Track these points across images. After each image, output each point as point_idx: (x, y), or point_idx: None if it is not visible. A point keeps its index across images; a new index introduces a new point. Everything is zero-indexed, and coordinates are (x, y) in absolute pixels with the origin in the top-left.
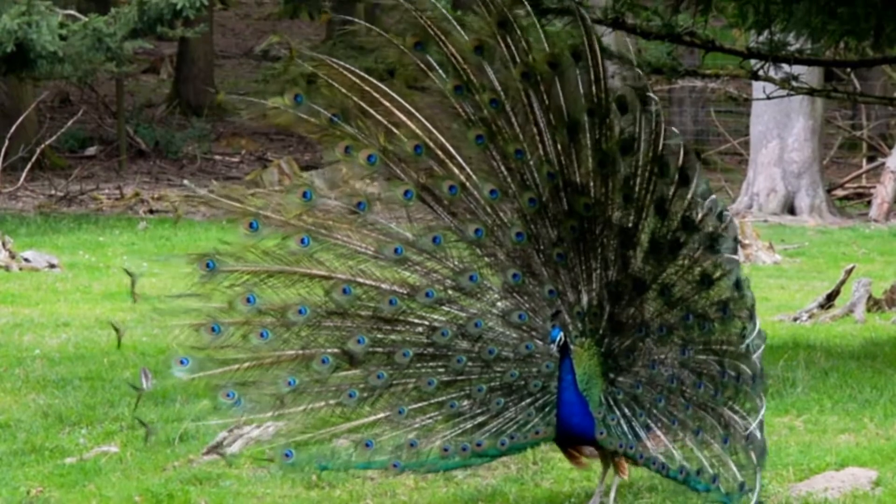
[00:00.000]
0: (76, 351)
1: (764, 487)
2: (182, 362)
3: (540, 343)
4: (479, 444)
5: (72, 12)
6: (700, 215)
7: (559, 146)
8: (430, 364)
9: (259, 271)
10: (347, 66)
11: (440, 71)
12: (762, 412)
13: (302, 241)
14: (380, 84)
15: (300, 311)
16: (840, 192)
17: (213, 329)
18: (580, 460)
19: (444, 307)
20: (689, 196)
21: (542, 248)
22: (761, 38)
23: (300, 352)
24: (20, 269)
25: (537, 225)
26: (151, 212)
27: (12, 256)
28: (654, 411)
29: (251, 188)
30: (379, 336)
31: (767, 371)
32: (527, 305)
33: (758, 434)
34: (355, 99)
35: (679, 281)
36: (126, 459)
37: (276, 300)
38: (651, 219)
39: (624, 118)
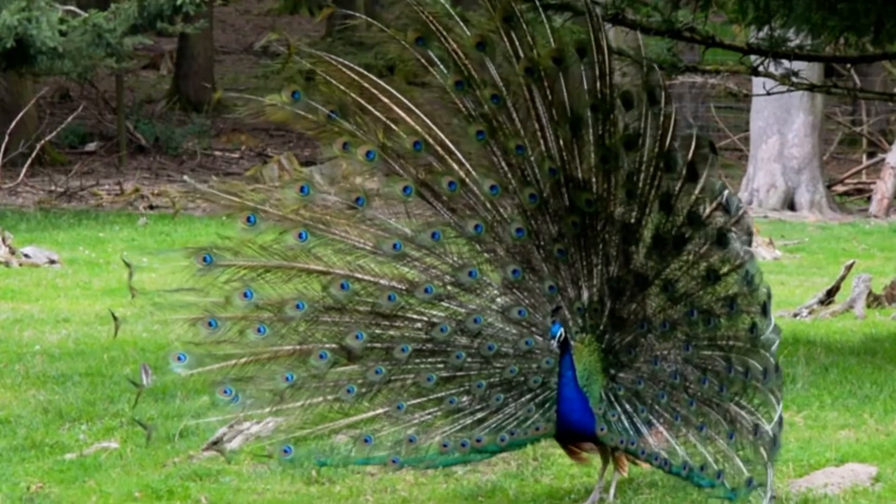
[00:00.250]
0: (76, 347)
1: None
2: (180, 358)
3: (540, 339)
4: (478, 440)
5: (72, 8)
6: (708, 210)
7: (561, 142)
8: (429, 360)
9: (256, 266)
10: (345, 62)
11: (441, 66)
12: (780, 408)
13: (300, 235)
14: (378, 80)
15: (298, 307)
16: (840, 188)
17: (209, 324)
18: (580, 456)
19: (443, 303)
20: (697, 191)
21: (542, 243)
22: (761, 34)
23: (298, 347)
24: (20, 264)
25: (538, 221)
26: (151, 207)
27: (12, 252)
28: (656, 407)
29: (251, 184)
30: (377, 331)
31: None
32: (526, 301)
33: (767, 429)
34: (353, 95)
35: (683, 276)
36: (126, 455)
37: (274, 295)
38: (655, 214)
39: (629, 114)
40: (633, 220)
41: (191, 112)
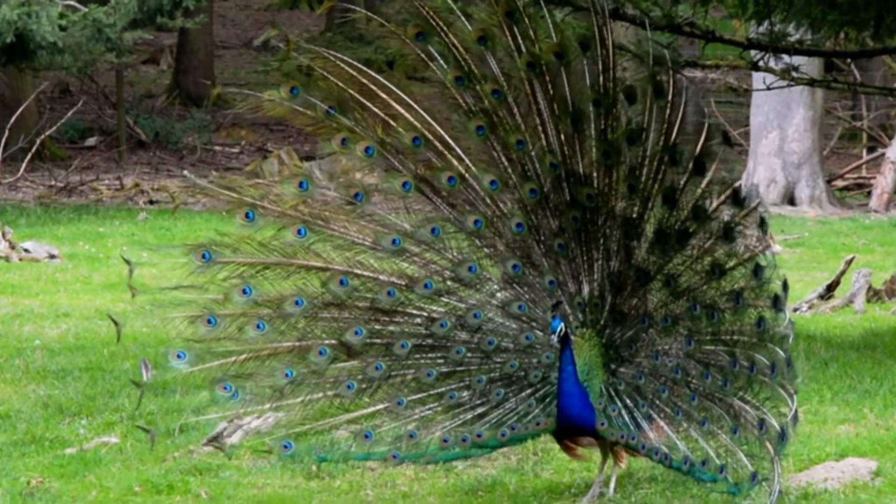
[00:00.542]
0: (76, 341)
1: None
2: (179, 356)
3: (540, 333)
4: (479, 435)
5: (71, 3)
6: (714, 204)
7: (563, 137)
8: (430, 355)
9: (255, 263)
10: (344, 58)
11: (441, 61)
12: (794, 402)
13: (299, 231)
14: (377, 76)
15: (297, 303)
16: (840, 183)
17: (209, 321)
18: (577, 452)
19: (442, 298)
20: (704, 185)
21: (542, 238)
22: (761, 29)
23: (297, 343)
24: (20, 259)
25: (538, 215)
26: (151, 202)
27: (12, 247)
28: (657, 402)
29: (251, 179)
30: (377, 327)
31: None
32: (527, 296)
33: (773, 423)
34: (352, 92)
35: (686, 271)
36: (126, 450)
37: (273, 292)
38: (658, 209)
39: (632, 108)
40: (635, 215)
41: (191, 107)
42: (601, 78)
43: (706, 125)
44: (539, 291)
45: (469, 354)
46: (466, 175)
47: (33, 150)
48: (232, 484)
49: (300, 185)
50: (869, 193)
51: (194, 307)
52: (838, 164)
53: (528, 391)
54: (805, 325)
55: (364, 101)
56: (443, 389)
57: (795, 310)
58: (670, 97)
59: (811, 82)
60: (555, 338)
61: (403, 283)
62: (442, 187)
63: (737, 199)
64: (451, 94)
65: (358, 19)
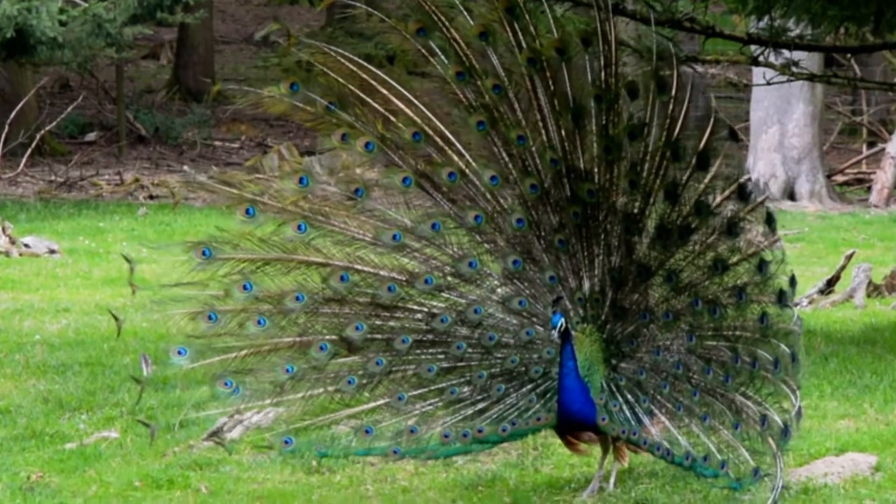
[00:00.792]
0: (76, 336)
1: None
2: (180, 352)
3: (541, 329)
4: (480, 431)
5: None
6: (718, 199)
7: (563, 132)
8: (430, 350)
9: (256, 259)
10: (344, 53)
11: (442, 57)
12: (798, 398)
13: (299, 227)
14: (377, 71)
15: (297, 298)
16: (840, 178)
17: (209, 317)
18: (579, 447)
19: (443, 294)
20: (707, 180)
21: (543, 234)
22: (761, 24)
23: (298, 339)
24: (20, 254)
25: (539, 211)
26: (151, 197)
27: (12, 242)
28: (659, 397)
29: (251, 174)
30: (377, 323)
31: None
32: (527, 291)
33: (776, 419)
34: (352, 87)
35: (688, 267)
36: (126, 445)
37: (273, 287)
38: (660, 204)
39: (634, 104)
40: (636, 211)
41: (191, 102)
42: (603, 73)
43: (712, 120)
44: (540, 287)
45: (470, 350)
46: (467, 170)
47: (33, 145)
48: (232, 479)
49: (300, 180)
50: (869, 188)
51: (195, 303)
52: (838, 159)
53: (529, 386)
54: (805, 321)
55: (364, 96)
56: (443, 385)
57: (796, 304)
58: (674, 92)
59: (811, 77)
60: (555, 333)
61: (404, 278)
62: (442, 183)
63: (742, 194)
64: (452, 90)
65: (358, 15)
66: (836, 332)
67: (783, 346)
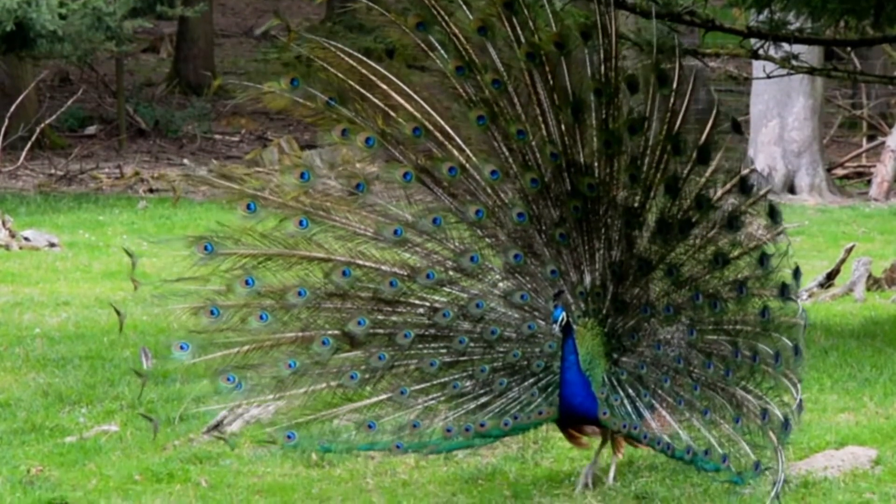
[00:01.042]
0: (76, 330)
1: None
2: (182, 347)
3: (542, 323)
4: (482, 425)
5: None
6: (719, 193)
7: (563, 126)
8: (432, 345)
9: (257, 254)
10: (344, 48)
11: (441, 51)
12: (799, 392)
13: (300, 223)
14: (377, 66)
15: (299, 294)
16: (840, 171)
17: (211, 312)
18: (580, 440)
19: (445, 288)
20: (708, 174)
21: (544, 228)
22: (761, 17)
23: (300, 334)
24: (20, 248)
25: (539, 205)
26: (151, 191)
27: (12, 235)
28: (659, 391)
29: (251, 167)
30: (380, 317)
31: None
32: (529, 286)
33: (776, 412)
34: (352, 83)
35: (689, 260)
36: (126, 438)
37: (276, 282)
38: (660, 198)
39: (635, 97)
40: (636, 205)
41: (191, 95)
42: (602, 67)
43: (714, 113)
44: (541, 281)
45: (472, 344)
46: (467, 165)
47: (33, 138)
48: (232, 472)
49: (301, 175)
50: (869, 182)
51: (197, 298)
52: (838, 152)
53: (531, 380)
54: (806, 311)
55: (364, 91)
56: (446, 379)
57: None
58: (675, 85)
59: (811, 71)
60: (556, 327)
61: (406, 273)
62: (443, 177)
63: (744, 188)
64: (452, 84)
65: (359, 9)
66: (835, 325)
67: (785, 340)
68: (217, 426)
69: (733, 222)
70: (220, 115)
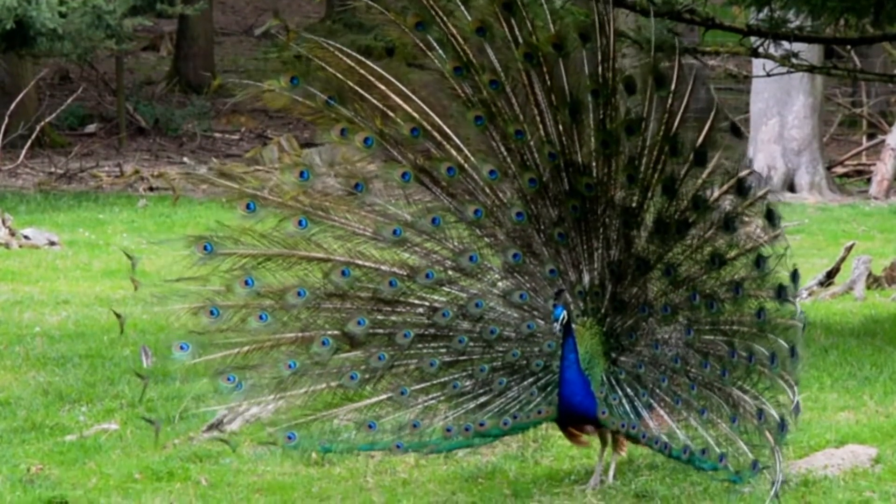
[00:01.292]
0: (76, 328)
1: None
2: (182, 347)
3: (541, 322)
4: (481, 424)
5: None
6: (716, 194)
7: (561, 126)
8: (432, 345)
9: (257, 254)
10: (343, 48)
11: (440, 51)
12: (795, 393)
13: (300, 223)
14: (375, 67)
15: (299, 294)
16: (840, 170)
17: (211, 312)
18: (580, 439)
19: (444, 288)
20: (705, 175)
21: (542, 227)
22: (761, 15)
23: (300, 334)
24: (20, 246)
25: (538, 205)
26: (151, 189)
27: (12, 234)
28: (657, 391)
29: (251, 166)
30: (379, 317)
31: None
32: (528, 285)
33: (772, 413)
34: (350, 82)
35: (686, 261)
36: (126, 437)
37: (275, 283)
38: (658, 198)
39: (632, 98)
40: (634, 205)
41: (191, 94)
42: (600, 68)
43: (712, 113)
44: (540, 280)
45: (471, 344)
46: (465, 165)
47: (33, 136)
48: (232, 471)
49: (301, 174)
50: (869, 180)
51: (196, 298)
52: (838, 150)
53: (531, 380)
54: (805, 313)
55: (363, 91)
56: (445, 379)
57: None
58: (673, 86)
59: (811, 69)
60: (557, 326)
61: (405, 273)
62: (441, 177)
63: (741, 189)
64: (450, 84)
65: (358, 7)
66: (835, 323)
67: (781, 341)
68: (217, 425)
69: (730, 223)
70: (220, 114)
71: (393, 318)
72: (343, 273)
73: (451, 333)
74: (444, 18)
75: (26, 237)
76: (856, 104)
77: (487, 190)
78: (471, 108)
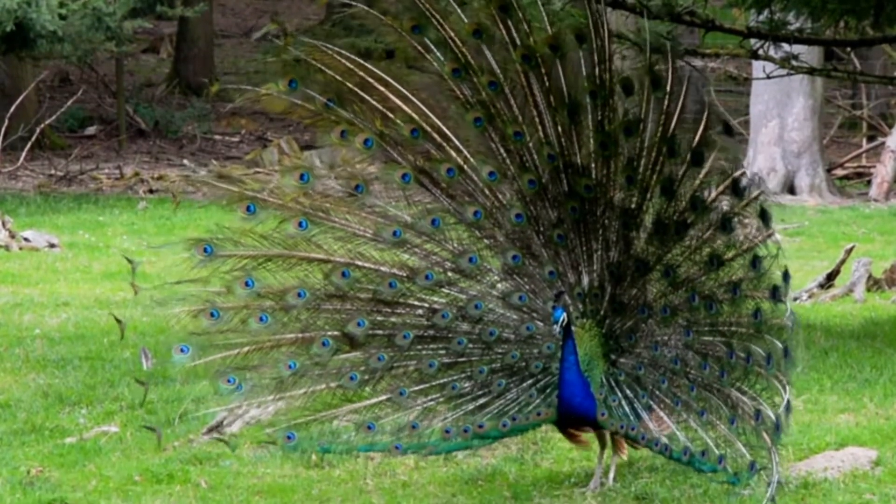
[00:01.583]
0: (76, 331)
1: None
2: (182, 350)
3: (541, 324)
4: (480, 426)
5: None
6: (713, 194)
7: (560, 128)
8: (431, 346)
9: (257, 255)
10: (341, 50)
11: (438, 54)
12: (787, 394)
13: (300, 224)
14: (374, 69)
15: (299, 295)
16: (840, 172)
17: (212, 314)
18: (580, 439)
19: (443, 289)
20: (702, 175)
21: (541, 229)
22: (761, 18)
23: (300, 335)
24: (20, 248)
25: (537, 206)
26: (151, 191)
27: (12, 236)
28: (657, 392)
29: (251, 168)
30: (379, 318)
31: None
32: (527, 287)
33: (770, 414)
34: (350, 84)
35: (685, 262)
36: (126, 439)
37: (275, 284)
38: (656, 199)
39: (629, 99)
40: (633, 206)
41: (191, 96)
42: (597, 69)
43: (706, 115)
44: (539, 282)
45: (470, 345)
46: (465, 166)
47: (33, 139)
48: (232, 473)
49: (301, 177)
50: (869, 182)
51: (197, 300)
52: (838, 152)
53: (530, 381)
54: (805, 315)
55: (362, 93)
56: (445, 380)
57: (795, 299)
58: (669, 88)
59: (811, 71)
60: (557, 327)
61: (405, 274)
62: (441, 179)
63: (736, 190)
64: (449, 86)
65: (355, 11)
66: (835, 326)
67: (776, 342)
68: (217, 427)
69: (727, 224)
70: (219, 116)
71: (392, 319)
72: (343, 274)
73: (450, 335)
74: (441, 21)
75: (26, 239)
76: (856, 106)
77: (487, 191)
78: (470, 110)
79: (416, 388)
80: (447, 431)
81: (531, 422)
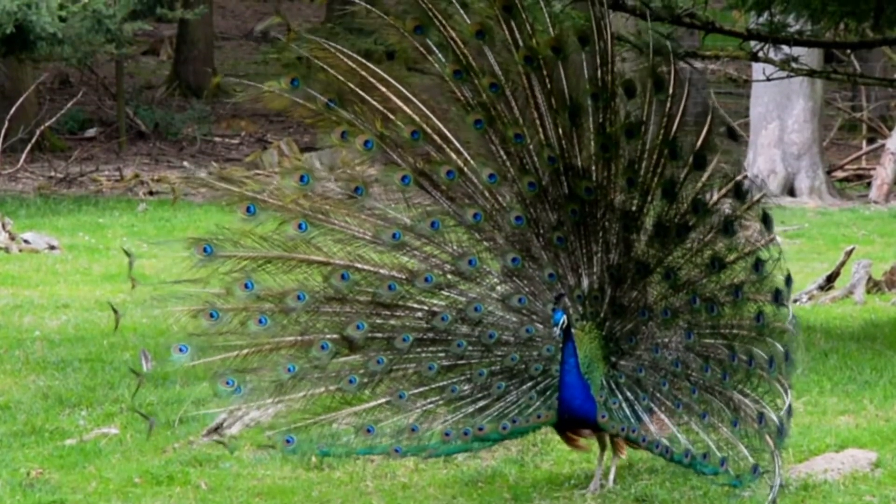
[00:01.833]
0: (76, 332)
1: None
2: (181, 349)
3: (540, 326)
4: (480, 429)
5: None
6: (715, 197)
7: (561, 130)
8: (431, 349)
9: (257, 257)
10: (343, 49)
11: (439, 55)
12: (789, 397)
13: (300, 226)
14: (376, 69)
15: (298, 297)
16: (840, 174)
17: (211, 315)
18: (578, 443)
19: (443, 292)
20: (704, 178)
21: (541, 231)
22: (761, 20)
23: (299, 338)
24: (20, 250)
25: (537, 209)
26: (151, 193)
27: (12, 238)
28: (658, 395)
29: (251, 170)
30: (378, 321)
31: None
32: (527, 289)
33: (772, 417)
34: (351, 85)
35: (686, 264)
36: (126, 441)
37: (275, 286)
38: (658, 202)
39: (632, 102)
40: (634, 208)
41: (190, 98)
42: (599, 72)
43: (708, 117)
44: (539, 284)
45: (470, 348)
46: (465, 169)
47: (33, 140)
48: (232, 475)
49: (301, 178)
50: (869, 184)
51: (196, 301)
52: (838, 154)
53: (529, 384)
54: (805, 316)
55: (363, 94)
56: (444, 383)
57: (795, 301)
58: (671, 90)
59: (811, 73)
60: (557, 330)
61: (404, 276)
62: (441, 181)
63: (738, 193)
64: (450, 88)
65: (357, 11)
66: (835, 328)
67: (778, 345)
68: (217, 429)
69: (729, 227)
70: (219, 118)
71: (392, 321)
72: (343, 276)
73: (449, 337)
74: (444, 22)
75: (26, 241)
76: (856, 108)
77: (487, 194)
78: (470, 112)
79: (416, 390)
80: (447, 434)
81: (531, 424)
